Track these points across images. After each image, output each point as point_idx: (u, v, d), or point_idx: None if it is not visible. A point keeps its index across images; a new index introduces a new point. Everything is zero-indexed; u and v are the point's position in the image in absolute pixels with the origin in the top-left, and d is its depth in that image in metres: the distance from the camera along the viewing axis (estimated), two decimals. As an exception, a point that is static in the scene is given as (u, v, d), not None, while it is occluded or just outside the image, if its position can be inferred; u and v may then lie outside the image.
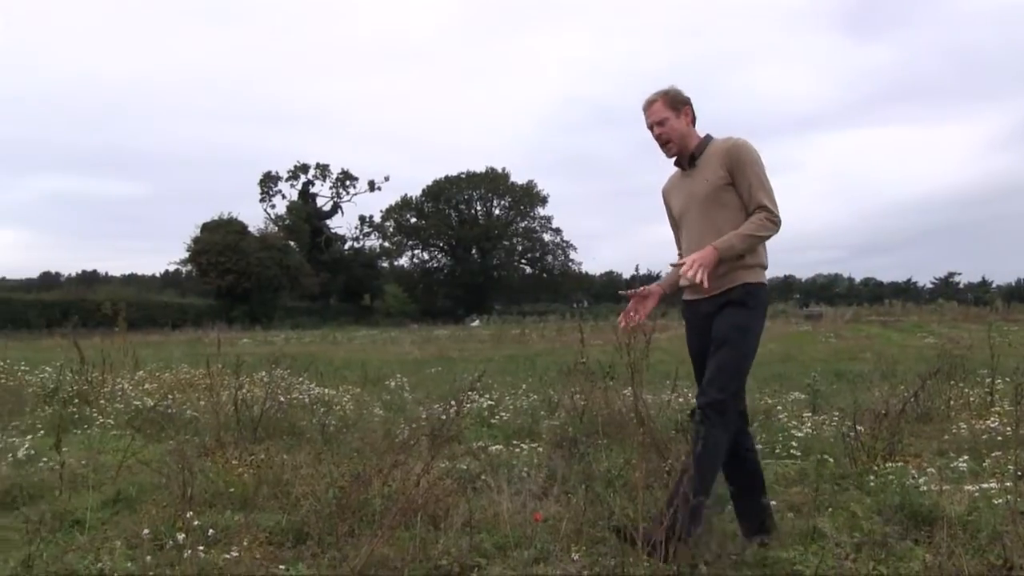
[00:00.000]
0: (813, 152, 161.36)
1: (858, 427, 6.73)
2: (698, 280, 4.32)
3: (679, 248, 4.99)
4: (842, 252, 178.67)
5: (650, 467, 5.52)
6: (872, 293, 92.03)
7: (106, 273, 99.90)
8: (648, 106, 4.78)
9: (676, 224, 4.99)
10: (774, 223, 4.55)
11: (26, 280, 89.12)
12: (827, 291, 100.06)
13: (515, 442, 7.16)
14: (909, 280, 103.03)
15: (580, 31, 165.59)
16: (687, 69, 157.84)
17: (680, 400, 8.26)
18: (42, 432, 8.13)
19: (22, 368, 12.88)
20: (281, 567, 4.46)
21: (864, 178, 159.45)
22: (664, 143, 4.78)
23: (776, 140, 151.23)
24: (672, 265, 4.70)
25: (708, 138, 4.80)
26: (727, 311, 4.59)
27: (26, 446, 7.24)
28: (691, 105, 4.80)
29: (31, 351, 18.43)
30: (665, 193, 5.08)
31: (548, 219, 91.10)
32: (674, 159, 4.85)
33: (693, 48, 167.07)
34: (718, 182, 4.61)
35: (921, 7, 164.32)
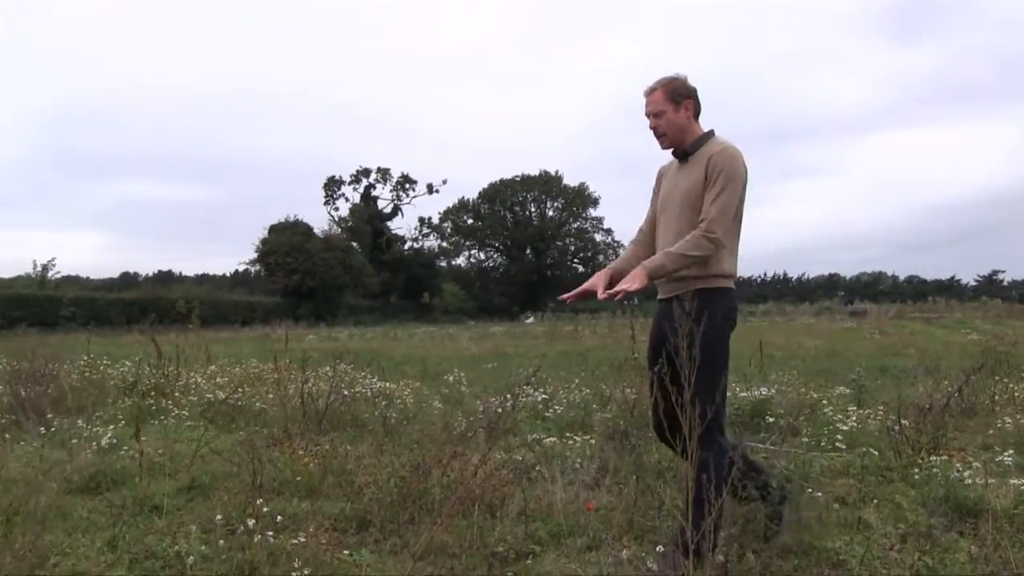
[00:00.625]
0: (858, 153, 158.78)
1: (903, 421, 6.62)
2: (616, 300, 4.26)
3: (642, 225, 4.83)
4: (886, 250, 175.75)
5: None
6: (916, 291, 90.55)
7: (180, 273, 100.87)
8: (648, 94, 4.55)
9: (652, 211, 4.80)
10: (710, 241, 4.30)
11: (107, 280, 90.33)
12: (871, 288, 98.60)
13: (568, 434, 7.13)
14: (952, 278, 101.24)
15: (630, 37, 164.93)
16: (735, 73, 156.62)
17: (728, 395, 8.18)
18: (123, 422, 8.24)
19: (104, 362, 13.04)
20: (345, 552, 4.48)
21: (908, 178, 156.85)
22: (659, 135, 4.56)
23: (822, 142, 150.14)
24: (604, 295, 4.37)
25: (708, 135, 4.57)
26: (686, 323, 4.24)
27: (109, 435, 7.35)
28: (694, 98, 4.55)
29: (112, 347, 18.67)
30: (660, 174, 4.86)
31: (599, 220, 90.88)
32: (671, 150, 4.64)
33: (741, 52, 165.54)
34: (698, 186, 4.42)
35: (963, 11, 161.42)
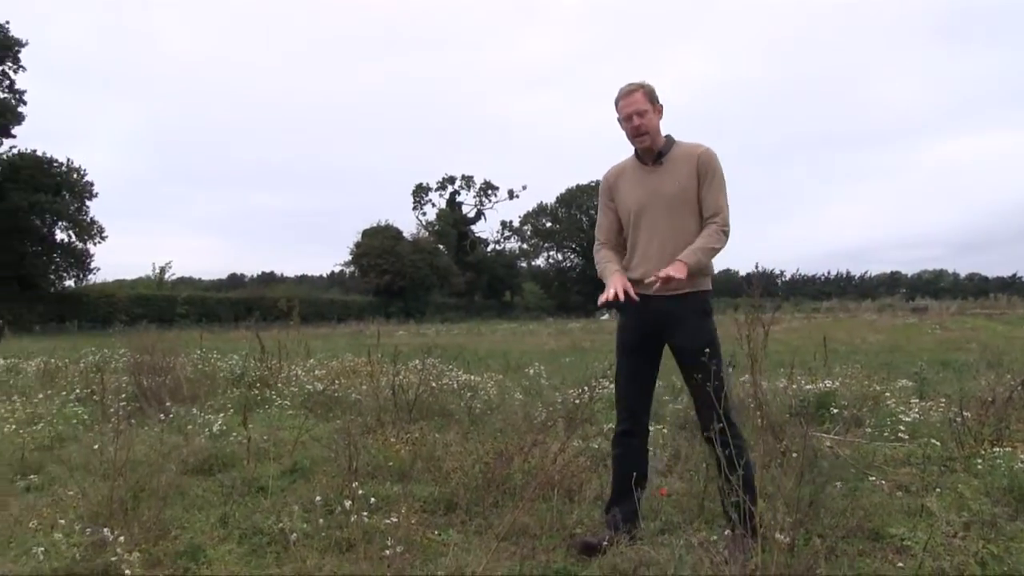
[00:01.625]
0: (919, 157, 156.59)
1: (965, 413, 6.47)
2: (659, 285, 4.10)
3: (603, 236, 4.67)
4: (946, 249, 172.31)
5: (767, 448, 5.40)
6: (977, 288, 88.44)
7: (282, 274, 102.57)
8: (628, 95, 4.43)
9: (615, 217, 4.62)
10: (726, 234, 4.31)
11: (217, 280, 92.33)
12: (932, 286, 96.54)
13: (642, 424, 7.09)
14: (1014, 275, 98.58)
15: (696, 49, 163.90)
16: (798, 82, 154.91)
17: (794, 387, 8.07)
18: (232, 411, 8.38)
19: (215, 356, 13.29)
20: (434, 532, 4.52)
21: (967, 179, 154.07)
22: (640, 134, 4.41)
23: (884, 146, 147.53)
24: (646, 282, 4.21)
25: (671, 139, 4.52)
26: (692, 323, 4.29)
27: (219, 422, 7.50)
28: (660, 102, 4.50)
29: (221, 342, 19.04)
30: (611, 180, 4.65)
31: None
32: (634, 151, 4.53)
33: (804, 61, 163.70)
34: (690, 188, 4.36)
35: (1018, 15, 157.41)
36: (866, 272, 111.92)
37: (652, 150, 4.45)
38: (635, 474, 4.30)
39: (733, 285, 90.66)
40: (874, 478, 5.22)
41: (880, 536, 4.29)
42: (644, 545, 4.06)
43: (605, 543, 4.12)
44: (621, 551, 4.01)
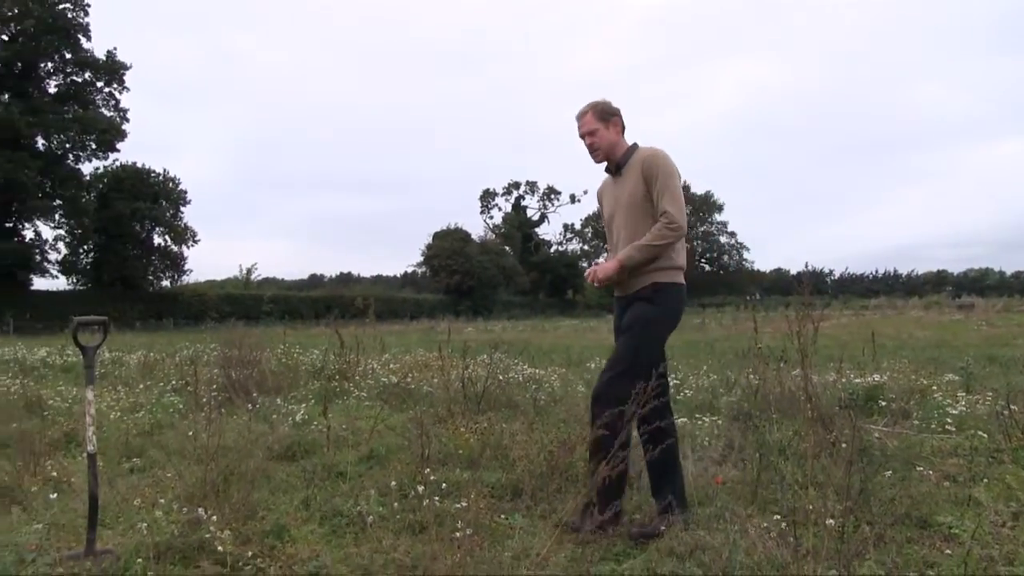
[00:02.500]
0: (965, 159, 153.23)
1: (1012, 406, 6.31)
2: (591, 281, 4.39)
3: (609, 243, 4.76)
4: (991, 248, 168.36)
5: (817, 438, 5.34)
6: (1023, 285, 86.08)
7: (358, 274, 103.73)
8: (580, 117, 4.56)
9: (607, 224, 4.74)
10: (673, 230, 4.30)
11: (299, 280, 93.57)
12: (978, 284, 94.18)
13: (697, 416, 7.04)
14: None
15: (750, 57, 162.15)
16: (849, 88, 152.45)
17: (843, 381, 7.95)
18: (313, 401, 8.49)
19: (297, 351, 13.47)
20: (501, 516, 4.53)
21: (1013, 181, 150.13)
22: (593, 151, 4.56)
23: (932, 150, 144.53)
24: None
25: (634, 147, 4.55)
26: (635, 305, 4.39)
27: (301, 412, 7.60)
28: (620, 116, 4.55)
29: (303, 337, 19.28)
30: (599, 194, 4.86)
31: (724, 224, 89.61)
32: (604, 165, 4.63)
33: (854, 68, 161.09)
34: (639, 193, 4.38)
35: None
36: (913, 271, 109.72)
37: (612, 163, 4.56)
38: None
39: (784, 283, 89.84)
40: (922, 468, 5.11)
41: (928, 524, 4.21)
42: (699, 529, 4.03)
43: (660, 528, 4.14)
44: (678, 536, 3.99)
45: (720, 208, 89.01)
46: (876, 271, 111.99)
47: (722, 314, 41.19)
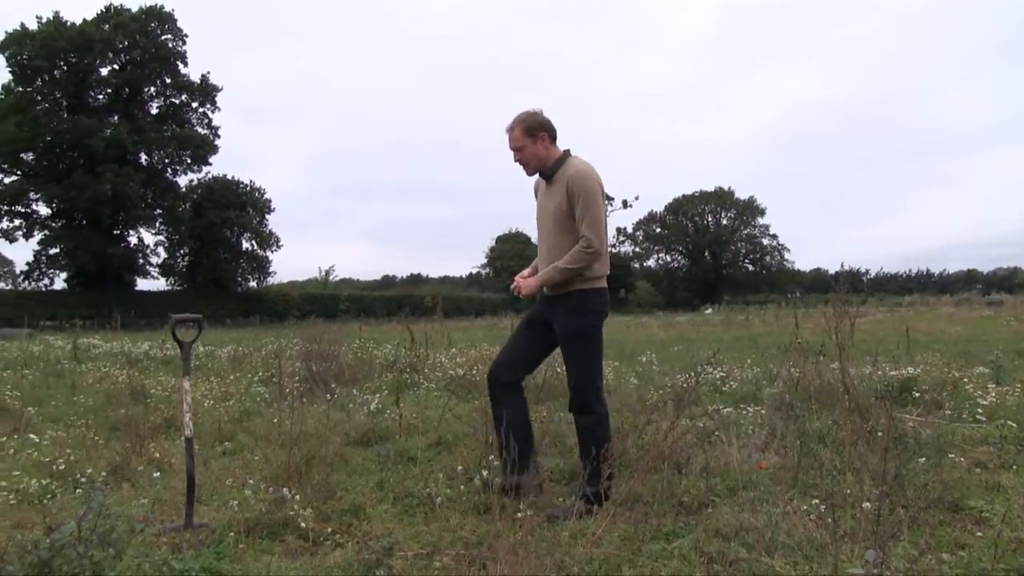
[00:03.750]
0: (995, 163, 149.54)
1: (1040, 397, 6.14)
2: (516, 294, 4.51)
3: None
4: (1021, 248, 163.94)
5: (854, 427, 5.25)
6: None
7: (427, 275, 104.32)
8: (508, 132, 4.44)
9: (536, 221, 4.65)
10: (590, 255, 4.27)
11: (373, 281, 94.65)
12: (1007, 282, 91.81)
13: (742, 405, 6.97)
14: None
15: (789, 70, 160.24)
16: (881, 96, 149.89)
17: (879, 373, 7.80)
18: (386, 392, 8.57)
19: (371, 346, 13.58)
20: (559, 499, 4.53)
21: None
22: (522, 165, 4.48)
23: (962, 154, 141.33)
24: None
25: (565, 156, 4.43)
26: (564, 319, 4.37)
27: (375, 401, 7.67)
28: (547, 128, 4.41)
29: (377, 333, 19.43)
30: (534, 188, 4.73)
31: (766, 227, 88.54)
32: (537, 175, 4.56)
33: (887, 78, 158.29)
34: (563, 207, 4.31)
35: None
36: (944, 270, 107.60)
37: (543, 172, 4.48)
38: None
39: (823, 282, 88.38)
40: (953, 456, 4.99)
41: (960, 508, 4.11)
42: (743, 512, 3.99)
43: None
44: (724, 517, 3.95)
45: (763, 212, 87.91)
46: (909, 270, 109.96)
47: (764, 311, 40.52)
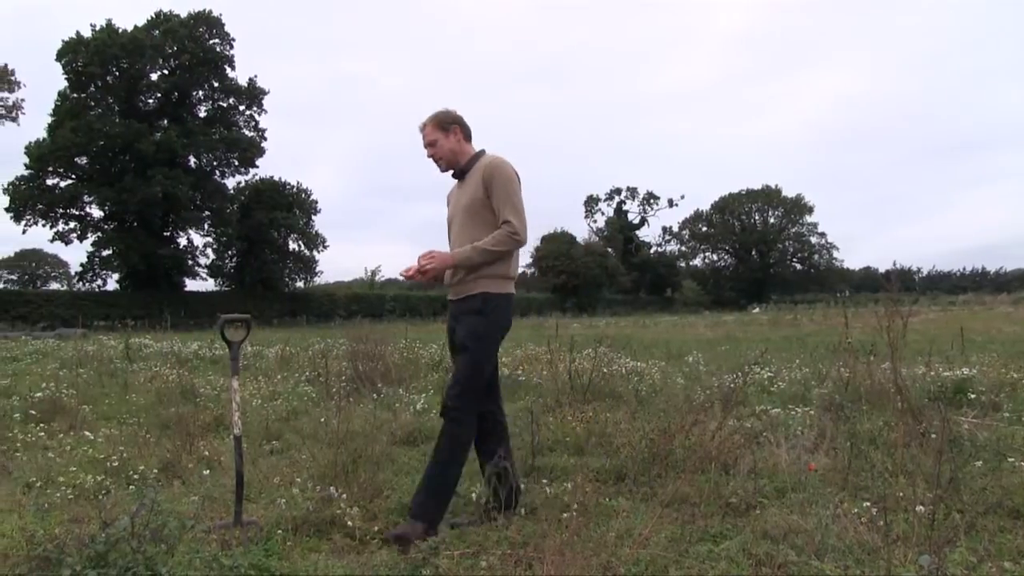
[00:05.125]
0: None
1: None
2: (411, 274, 4.11)
3: (449, 246, 4.43)
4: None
5: (907, 428, 5.16)
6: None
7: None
8: (422, 129, 4.32)
9: (448, 227, 4.45)
10: (513, 238, 4.07)
11: (418, 281, 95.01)
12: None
13: (790, 406, 6.88)
14: None
15: (836, 66, 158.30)
16: (934, 91, 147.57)
17: (932, 374, 7.65)
18: (432, 391, 8.60)
19: (417, 345, 13.65)
20: (606, 499, 4.52)
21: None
22: (435, 160, 4.32)
23: (1017, 148, 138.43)
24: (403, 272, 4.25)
25: (479, 154, 4.30)
26: (466, 319, 4.14)
27: (421, 401, 7.71)
28: (460, 124, 4.29)
29: (422, 333, 19.53)
30: (447, 198, 4.56)
31: (814, 225, 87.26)
32: (450, 173, 4.38)
33: (936, 72, 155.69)
34: (478, 198, 4.13)
35: None
36: (1001, 268, 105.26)
37: (457, 169, 4.34)
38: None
39: (873, 281, 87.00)
40: (1013, 460, 4.88)
41: (1021, 514, 4.00)
42: (792, 514, 3.94)
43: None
44: (772, 519, 3.91)
45: (810, 210, 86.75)
46: (963, 268, 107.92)
47: (813, 310, 40.03)
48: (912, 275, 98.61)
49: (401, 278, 4.37)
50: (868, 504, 3.90)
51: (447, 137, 4.28)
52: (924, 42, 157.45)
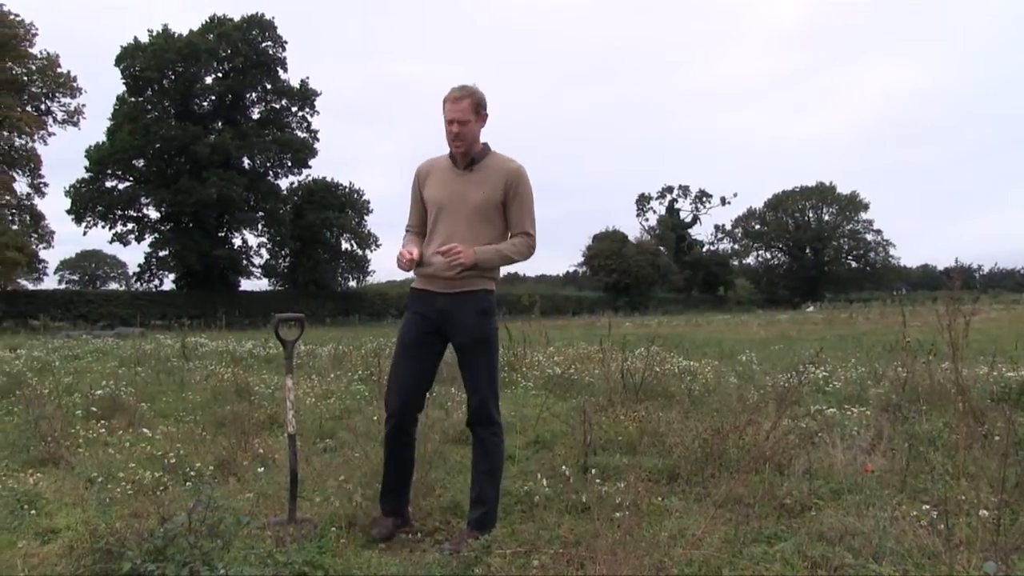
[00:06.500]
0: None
1: None
2: (452, 273, 3.84)
3: (411, 221, 4.23)
4: None
5: (968, 430, 5.05)
6: None
7: (524, 274, 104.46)
8: (455, 100, 3.92)
9: (422, 207, 4.15)
10: (531, 250, 4.01)
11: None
12: None
13: (846, 406, 6.77)
14: None
15: (892, 60, 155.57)
16: (993, 85, 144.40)
17: (995, 374, 7.47)
18: (483, 390, 8.60)
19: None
20: (658, 499, 4.49)
21: None
22: (458, 140, 3.94)
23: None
24: (437, 252, 3.89)
25: (488, 147, 4.06)
26: (473, 318, 3.96)
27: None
28: (487, 111, 4.03)
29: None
30: (422, 174, 4.16)
31: (870, 222, 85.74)
32: (449, 152, 4.05)
33: (998, 67, 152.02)
34: (495, 199, 3.94)
35: None
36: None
37: (467, 156, 4.02)
38: (408, 467, 4.24)
39: (931, 279, 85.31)
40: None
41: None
42: (848, 516, 3.88)
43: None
44: (827, 521, 3.85)
45: (866, 207, 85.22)
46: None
47: (869, 309, 39.33)
48: (973, 272, 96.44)
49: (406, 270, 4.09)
50: (928, 507, 3.82)
51: (477, 121, 4.00)
52: (983, 34, 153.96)
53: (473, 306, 4.00)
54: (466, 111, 3.92)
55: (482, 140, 4.09)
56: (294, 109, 56.87)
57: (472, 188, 3.99)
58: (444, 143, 4.03)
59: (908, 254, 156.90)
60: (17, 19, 45.87)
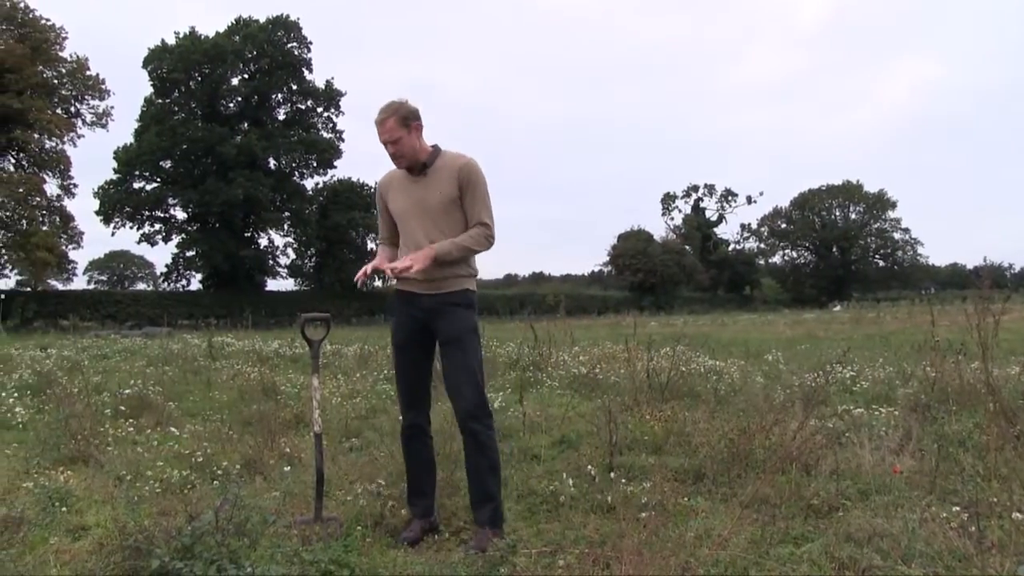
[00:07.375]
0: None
1: None
2: (422, 277, 3.94)
3: (383, 235, 4.36)
4: None
5: (1000, 431, 4.98)
6: None
7: (549, 274, 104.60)
8: (381, 124, 4.00)
9: (390, 219, 4.27)
10: (489, 240, 4.03)
11: (494, 279, 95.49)
12: None
13: (874, 406, 6.71)
14: None
15: (919, 57, 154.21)
16: (1018, 82, 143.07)
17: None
18: (509, 390, 8.62)
19: (494, 343, 13.70)
20: (684, 499, 4.47)
21: None
22: (396, 157, 4.05)
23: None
24: (391, 270, 3.96)
25: (437, 149, 4.10)
26: (456, 313, 4.02)
27: (499, 400, 7.73)
28: (419, 118, 4.04)
29: (500, 331, 19.59)
30: (383, 188, 4.28)
31: (897, 220, 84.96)
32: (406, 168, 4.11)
33: (1021, 64, 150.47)
34: (451, 196, 3.99)
35: None
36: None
37: (416, 165, 4.08)
38: (428, 467, 4.29)
39: (960, 278, 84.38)
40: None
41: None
42: (876, 517, 3.85)
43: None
44: (855, 522, 3.82)
45: (893, 205, 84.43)
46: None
47: (896, 308, 38.95)
48: (1003, 271, 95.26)
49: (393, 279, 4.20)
50: (958, 509, 3.77)
51: (409, 134, 4.04)
52: (1011, 30, 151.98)
53: (456, 305, 4.09)
54: (393, 129, 4.00)
55: (430, 143, 4.15)
56: (319, 110, 57.20)
57: (429, 191, 4.08)
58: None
59: (936, 253, 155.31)
60: (48, 23, 46.46)
